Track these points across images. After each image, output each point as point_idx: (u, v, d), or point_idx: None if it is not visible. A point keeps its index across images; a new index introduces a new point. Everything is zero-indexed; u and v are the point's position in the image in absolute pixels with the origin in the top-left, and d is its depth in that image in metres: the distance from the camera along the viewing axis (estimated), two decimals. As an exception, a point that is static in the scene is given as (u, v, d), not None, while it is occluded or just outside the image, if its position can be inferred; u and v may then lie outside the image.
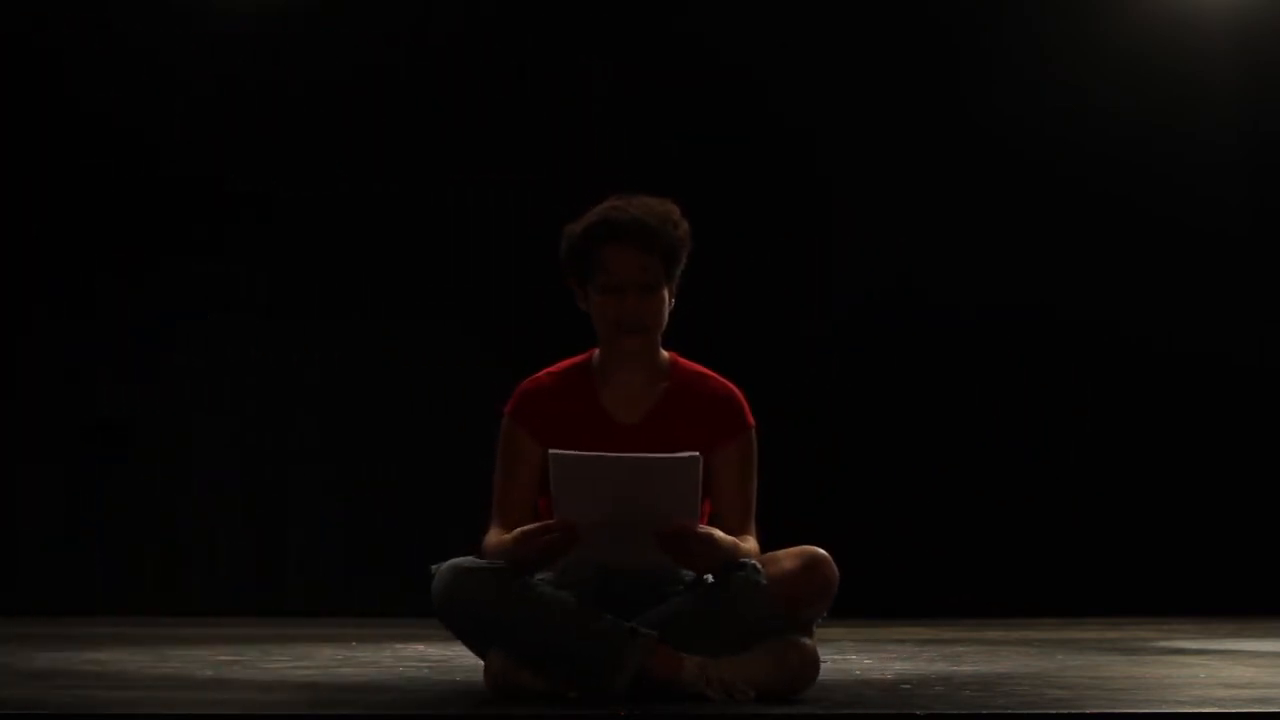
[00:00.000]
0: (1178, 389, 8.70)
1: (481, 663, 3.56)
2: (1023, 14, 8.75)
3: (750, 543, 3.64)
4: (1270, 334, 8.77)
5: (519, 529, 3.52)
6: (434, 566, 3.57)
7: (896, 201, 8.69)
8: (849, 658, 5.06)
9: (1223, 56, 8.70)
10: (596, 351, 3.78)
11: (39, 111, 8.57)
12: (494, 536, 3.66)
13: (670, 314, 3.73)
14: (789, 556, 3.57)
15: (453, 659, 4.88)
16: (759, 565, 3.52)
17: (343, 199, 8.63)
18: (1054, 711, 3.32)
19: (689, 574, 3.59)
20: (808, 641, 3.54)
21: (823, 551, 3.56)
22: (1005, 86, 8.68)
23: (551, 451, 3.41)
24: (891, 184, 8.70)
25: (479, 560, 3.56)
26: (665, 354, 3.78)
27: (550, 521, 3.44)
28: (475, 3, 8.65)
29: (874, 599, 7.34)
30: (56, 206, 8.59)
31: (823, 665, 3.66)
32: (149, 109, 8.56)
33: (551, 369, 3.80)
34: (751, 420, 3.76)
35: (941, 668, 4.62)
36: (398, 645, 5.67)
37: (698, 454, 3.41)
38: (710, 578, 3.55)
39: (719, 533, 3.52)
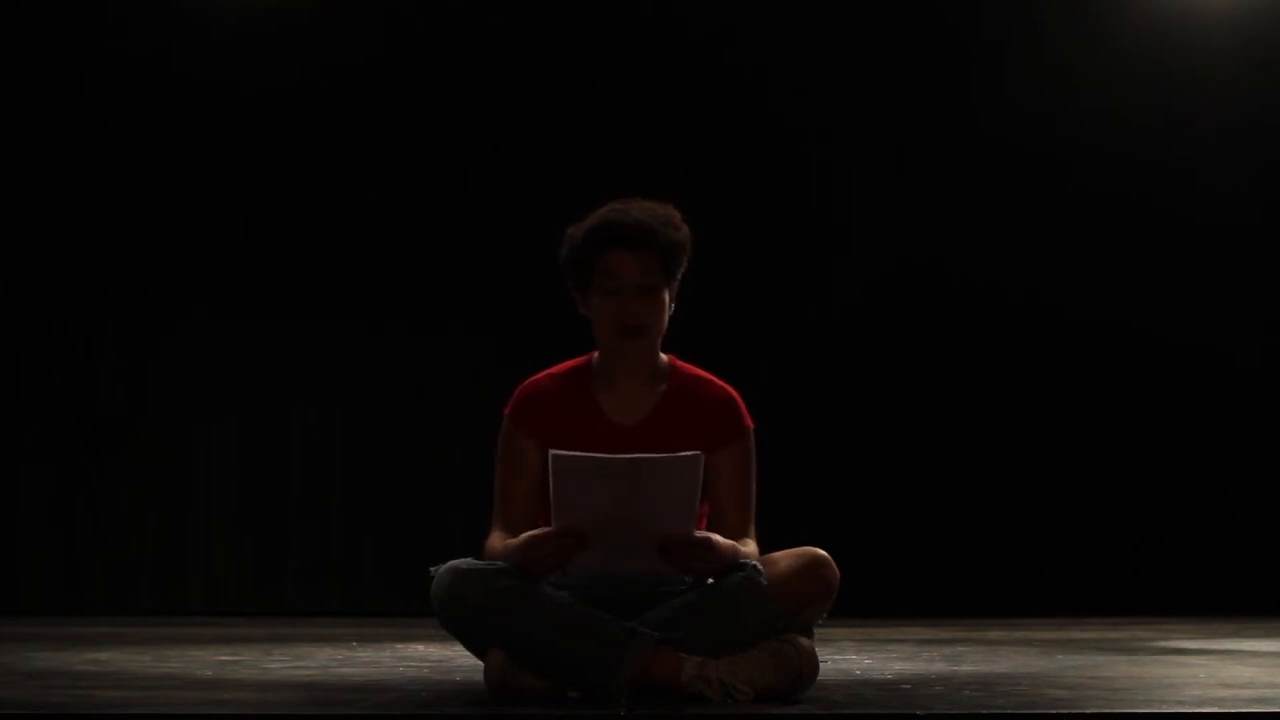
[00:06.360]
0: (1178, 390, 8.71)
1: (481, 663, 3.55)
2: (1028, 10, 8.76)
3: (750, 546, 3.64)
4: (1272, 335, 8.77)
5: (525, 534, 3.51)
6: (433, 568, 3.57)
7: (894, 203, 8.70)
8: (849, 658, 5.06)
9: (1226, 53, 8.72)
10: (596, 354, 3.78)
11: (40, 114, 8.58)
12: (496, 539, 3.66)
13: (670, 317, 3.73)
14: (789, 557, 3.57)
15: (453, 659, 4.88)
16: (759, 566, 3.52)
17: (342, 200, 8.64)
18: (1054, 711, 3.32)
19: (689, 576, 3.59)
20: (807, 641, 3.54)
21: (823, 552, 3.56)
22: (1007, 82, 8.69)
23: (553, 452, 3.40)
24: (890, 187, 8.71)
25: (478, 561, 3.56)
26: (664, 357, 3.78)
27: (556, 528, 3.43)
28: (478, 5, 8.65)
29: (874, 599, 7.35)
30: (56, 207, 8.60)
31: (823, 665, 3.66)
32: (150, 110, 8.57)
33: (551, 371, 3.80)
34: (750, 423, 3.76)
35: (941, 668, 4.62)
36: (398, 645, 5.67)
37: (699, 453, 3.41)
38: (711, 580, 3.55)
39: (718, 537, 3.51)
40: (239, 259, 8.64)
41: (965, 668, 4.62)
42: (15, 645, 5.57)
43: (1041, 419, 8.66)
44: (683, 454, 3.41)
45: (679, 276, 3.73)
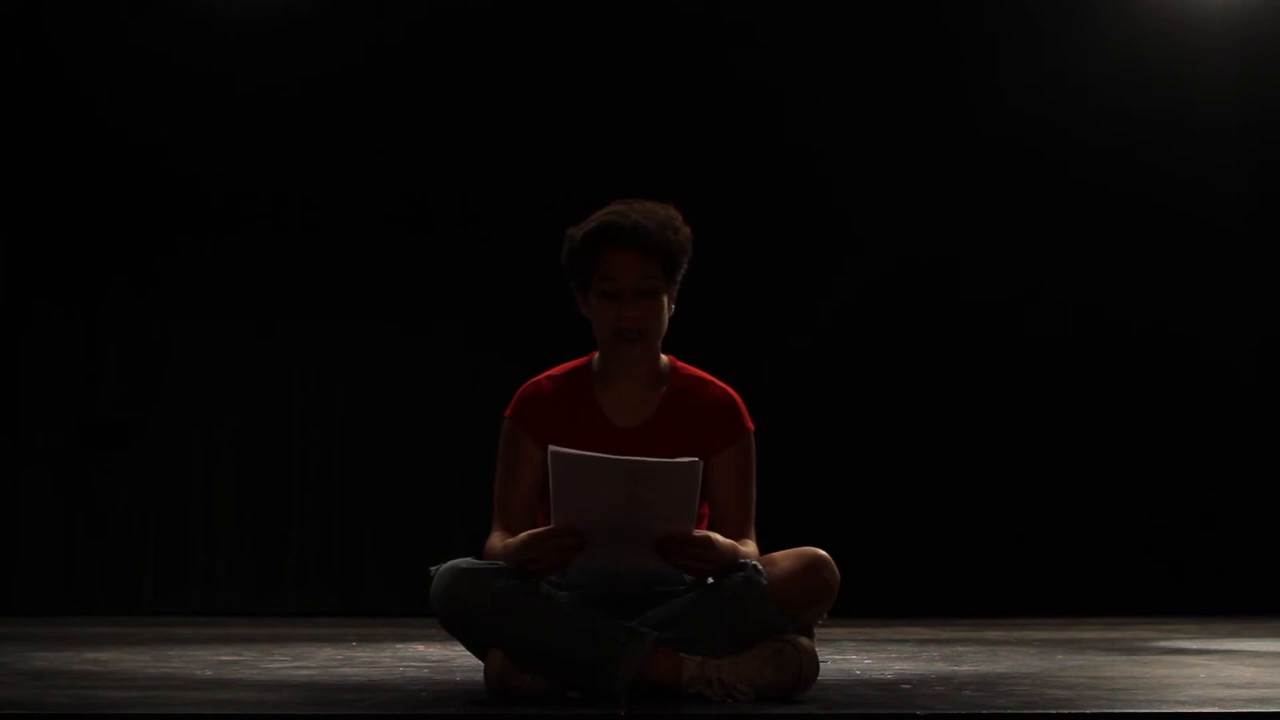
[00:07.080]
0: (1178, 389, 8.70)
1: (481, 663, 3.55)
2: (1027, 10, 8.76)
3: (750, 546, 3.64)
4: (1270, 335, 8.76)
5: (525, 533, 3.51)
6: (433, 568, 3.57)
7: (896, 204, 8.69)
8: (849, 658, 5.06)
9: (1225, 53, 8.72)
10: (596, 355, 3.78)
11: (40, 112, 8.58)
12: (496, 539, 3.66)
13: (670, 319, 3.73)
14: (789, 557, 3.57)
15: (453, 659, 4.88)
16: (760, 566, 3.52)
17: (342, 201, 8.64)
18: (1054, 711, 3.32)
19: (689, 576, 3.59)
20: (807, 642, 3.54)
21: (823, 552, 3.56)
22: (1005, 82, 8.68)
23: (552, 449, 3.41)
24: (891, 187, 8.69)
25: (477, 561, 3.56)
26: (664, 358, 3.78)
27: (555, 527, 3.43)
28: (479, 5, 8.64)
29: (874, 599, 7.35)
30: (58, 207, 8.60)
31: (823, 665, 3.66)
32: (151, 109, 8.57)
33: (552, 372, 3.80)
34: (750, 424, 3.76)
35: (941, 668, 4.62)
36: (398, 645, 5.67)
37: (698, 459, 3.41)
38: (710, 580, 3.55)
39: (718, 536, 3.51)
40: (240, 258, 8.63)
41: (965, 668, 4.62)
42: (15, 645, 5.57)
43: (1042, 419, 8.65)
44: (680, 460, 3.41)
45: (679, 278, 3.73)
